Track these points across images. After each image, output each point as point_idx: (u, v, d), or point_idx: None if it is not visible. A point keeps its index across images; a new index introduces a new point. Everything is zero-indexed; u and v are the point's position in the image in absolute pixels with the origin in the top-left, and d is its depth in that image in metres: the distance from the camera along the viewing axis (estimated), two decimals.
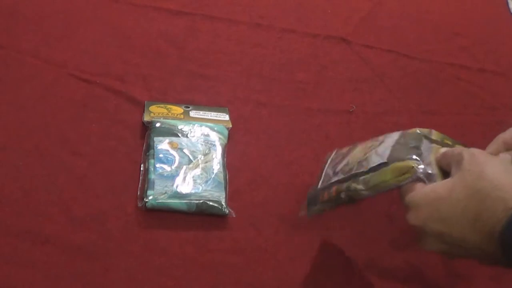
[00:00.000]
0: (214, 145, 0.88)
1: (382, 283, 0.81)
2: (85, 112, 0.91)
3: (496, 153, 0.73)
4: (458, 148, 0.72)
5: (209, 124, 0.91)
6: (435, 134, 0.77)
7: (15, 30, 1.00)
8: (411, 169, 0.70)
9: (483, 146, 1.00)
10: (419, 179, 0.70)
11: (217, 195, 0.82)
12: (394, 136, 0.77)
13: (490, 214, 0.62)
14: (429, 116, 1.04)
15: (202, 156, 0.86)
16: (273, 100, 1.00)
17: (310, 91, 1.03)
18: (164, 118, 0.90)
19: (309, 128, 0.97)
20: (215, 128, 0.90)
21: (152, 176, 0.82)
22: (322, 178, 0.80)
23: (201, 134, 0.89)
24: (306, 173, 0.90)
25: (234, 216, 0.82)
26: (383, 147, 0.75)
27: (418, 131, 0.77)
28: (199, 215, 0.81)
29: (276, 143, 0.94)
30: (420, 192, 0.69)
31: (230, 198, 0.84)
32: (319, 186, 0.79)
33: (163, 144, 0.86)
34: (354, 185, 0.74)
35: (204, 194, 0.82)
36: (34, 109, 0.90)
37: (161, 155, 0.85)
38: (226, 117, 0.93)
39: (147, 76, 0.98)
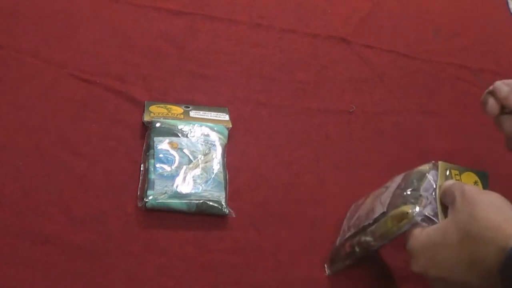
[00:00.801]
0: (214, 145, 0.88)
1: (382, 283, 0.80)
2: (85, 112, 0.91)
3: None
4: (455, 184, 0.71)
5: (209, 124, 0.91)
6: (441, 166, 0.77)
7: (15, 30, 1.00)
8: (407, 215, 0.71)
9: (483, 146, 1.01)
10: (417, 224, 0.70)
11: (217, 195, 0.82)
12: (397, 180, 0.78)
13: (484, 256, 0.62)
14: (429, 116, 1.04)
15: (202, 156, 0.86)
16: (273, 100, 1.00)
17: (310, 91, 1.03)
18: (164, 118, 0.90)
19: (309, 128, 0.97)
20: (215, 128, 0.90)
21: (152, 176, 0.82)
22: (340, 235, 0.81)
23: (201, 134, 0.89)
24: (306, 173, 0.90)
25: (234, 216, 0.82)
26: (386, 195, 0.76)
27: (421, 168, 0.77)
28: (199, 215, 0.81)
29: (276, 143, 0.94)
30: (417, 239, 0.69)
31: (230, 198, 0.84)
32: (337, 243, 0.81)
33: (163, 144, 0.86)
34: (363, 237, 0.75)
35: (204, 194, 0.82)
36: (34, 109, 0.90)
37: (161, 155, 0.85)
38: (226, 117, 0.93)
39: (147, 76, 0.98)
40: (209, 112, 0.93)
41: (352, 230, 0.78)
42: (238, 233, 0.82)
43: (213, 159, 0.86)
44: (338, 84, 1.05)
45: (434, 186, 0.74)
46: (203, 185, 0.83)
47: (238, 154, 0.90)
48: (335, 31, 1.14)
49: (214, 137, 0.89)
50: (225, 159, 0.88)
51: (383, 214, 0.74)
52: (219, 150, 0.87)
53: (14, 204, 0.79)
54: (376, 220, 0.74)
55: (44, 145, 0.85)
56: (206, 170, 0.84)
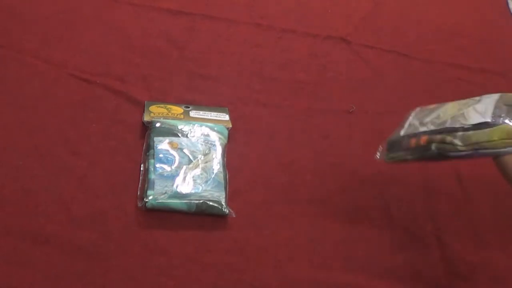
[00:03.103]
0: (214, 145, 0.88)
1: (382, 283, 0.80)
2: (85, 112, 0.91)
3: None
4: None
5: (209, 124, 0.91)
6: None
7: (15, 30, 1.00)
8: None
9: None
10: None
11: (217, 195, 0.82)
12: (492, 96, 0.72)
13: None
14: None
15: (202, 156, 0.86)
16: (273, 100, 1.00)
17: (310, 91, 1.03)
18: (164, 118, 0.90)
19: (309, 128, 0.97)
20: (215, 128, 0.90)
21: (152, 176, 0.82)
22: (405, 127, 0.75)
23: (201, 134, 0.89)
24: (306, 173, 0.90)
25: (234, 216, 0.82)
26: (483, 104, 0.70)
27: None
28: (199, 215, 0.81)
29: (276, 143, 0.94)
30: None
31: (230, 198, 0.84)
32: (402, 133, 0.74)
33: (163, 144, 0.86)
34: (450, 138, 0.69)
35: (204, 194, 0.82)
36: (34, 109, 0.90)
37: (161, 155, 0.85)
38: (226, 117, 0.93)
39: (147, 76, 0.98)
40: (209, 112, 0.93)
41: (431, 127, 0.72)
42: (238, 233, 0.82)
43: (213, 159, 0.86)
44: (338, 84, 1.05)
45: None
46: (203, 185, 0.83)
47: (238, 154, 0.90)
48: (335, 31, 1.14)
49: (214, 137, 0.89)
50: (225, 159, 0.88)
51: (486, 124, 0.68)
52: (219, 150, 0.87)
53: (14, 204, 0.79)
54: (473, 128, 0.68)
55: (44, 145, 0.85)
56: (206, 170, 0.84)
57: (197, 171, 0.84)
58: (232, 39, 1.08)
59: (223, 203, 0.81)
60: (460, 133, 0.69)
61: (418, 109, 0.80)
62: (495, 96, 0.72)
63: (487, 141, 0.67)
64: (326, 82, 1.05)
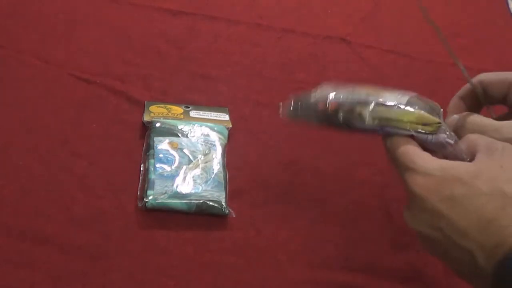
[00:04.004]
0: (214, 145, 0.88)
1: (382, 283, 0.80)
2: (85, 112, 0.91)
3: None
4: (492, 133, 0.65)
5: (209, 124, 0.91)
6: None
7: (15, 30, 1.00)
8: (435, 125, 0.65)
9: None
10: (435, 141, 0.65)
11: (217, 195, 0.82)
12: (412, 93, 0.72)
13: (505, 225, 0.55)
14: None
15: (202, 156, 0.86)
16: (273, 100, 0.99)
17: None
18: (164, 118, 0.90)
19: (309, 128, 0.97)
20: (215, 128, 0.90)
21: (152, 176, 0.82)
22: (318, 90, 0.74)
23: (201, 134, 0.89)
24: (306, 173, 0.90)
25: (234, 216, 0.82)
26: (399, 92, 0.71)
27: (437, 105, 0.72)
28: (199, 215, 0.81)
29: (276, 143, 0.94)
30: (438, 161, 0.62)
31: (230, 198, 0.84)
32: (312, 94, 0.74)
33: (163, 144, 0.86)
34: (359, 109, 0.69)
35: (204, 194, 0.82)
36: (34, 109, 0.90)
37: (161, 155, 0.85)
38: (226, 117, 0.93)
39: (147, 76, 0.98)
40: (209, 112, 0.93)
41: (343, 96, 0.71)
42: (238, 233, 0.82)
43: (213, 159, 0.86)
44: None
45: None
46: (203, 185, 0.83)
47: (238, 154, 0.90)
48: (335, 31, 1.14)
49: (214, 137, 0.89)
50: (225, 159, 0.88)
51: (398, 106, 0.67)
52: (219, 150, 0.87)
53: (14, 204, 0.79)
54: (387, 105, 0.68)
55: (44, 145, 0.85)
56: (206, 170, 0.84)
57: (197, 171, 0.84)
58: (232, 39, 1.08)
59: (223, 203, 0.81)
60: (371, 107, 0.69)
61: (330, 84, 0.79)
62: (414, 94, 0.72)
63: (396, 119, 0.67)
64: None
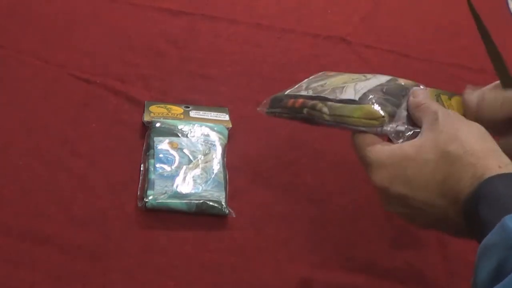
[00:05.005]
0: (214, 145, 0.88)
1: (382, 283, 0.80)
2: (85, 112, 0.91)
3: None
4: (434, 105, 0.69)
5: (209, 124, 0.91)
6: (431, 92, 0.75)
7: (15, 30, 1.00)
8: (380, 119, 0.68)
9: None
10: (384, 133, 0.68)
11: (217, 195, 0.82)
12: (381, 79, 0.75)
13: (457, 179, 0.61)
14: None
15: (202, 156, 0.86)
16: None
17: None
18: (164, 118, 0.90)
19: (309, 128, 0.97)
20: (215, 128, 0.90)
21: (152, 176, 0.82)
22: (294, 88, 0.79)
23: (201, 134, 0.89)
24: (306, 173, 0.90)
25: (234, 216, 0.82)
26: (363, 84, 0.73)
27: (407, 82, 0.75)
28: (199, 215, 0.81)
29: (276, 143, 0.94)
30: (386, 149, 0.66)
31: (230, 198, 0.84)
32: (286, 92, 0.78)
33: (163, 144, 0.86)
34: (320, 105, 0.73)
35: (204, 194, 0.82)
36: (34, 109, 0.90)
37: (161, 155, 0.85)
38: (226, 117, 0.93)
39: (147, 76, 0.98)
40: (209, 112, 0.93)
41: (311, 92, 0.75)
42: (238, 233, 0.81)
43: (213, 159, 0.86)
44: None
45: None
46: (203, 185, 0.83)
47: (238, 154, 0.90)
48: (335, 31, 1.14)
49: (214, 137, 0.89)
50: (225, 159, 0.88)
51: (353, 101, 0.70)
52: (219, 150, 0.87)
53: (14, 204, 0.79)
54: (342, 101, 0.71)
55: (44, 145, 0.85)
56: (206, 170, 0.84)
57: (197, 171, 0.84)
58: (232, 39, 1.08)
59: (223, 203, 0.81)
60: (329, 103, 0.72)
61: (321, 72, 0.83)
62: (383, 79, 0.75)
63: (347, 116, 0.70)
64: None
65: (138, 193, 0.82)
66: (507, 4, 1.30)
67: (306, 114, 0.74)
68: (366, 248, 0.83)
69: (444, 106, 0.72)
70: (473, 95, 0.75)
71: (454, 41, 1.19)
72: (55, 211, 0.79)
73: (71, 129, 0.88)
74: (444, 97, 0.75)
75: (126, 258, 0.76)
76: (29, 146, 0.85)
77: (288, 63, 1.07)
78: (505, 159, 0.62)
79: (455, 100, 0.76)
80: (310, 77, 0.82)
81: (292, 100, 0.76)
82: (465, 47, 1.18)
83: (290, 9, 1.17)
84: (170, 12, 1.09)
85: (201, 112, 0.93)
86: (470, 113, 0.73)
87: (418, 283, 0.81)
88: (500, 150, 0.64)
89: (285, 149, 0.93)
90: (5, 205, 0.78)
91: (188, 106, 0.94)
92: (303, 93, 0.76)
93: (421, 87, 0.76)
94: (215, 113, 0.93)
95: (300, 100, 0.75)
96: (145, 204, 0.80)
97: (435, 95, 0.75)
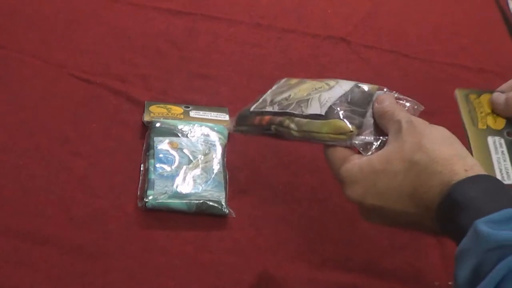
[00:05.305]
0: (214, 145, 0.88)
1: (382, 283, 0.80)
2: (85, 112, 0.91)
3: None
4: (397, 112, 0.70)
5: (209, 124, 0.91)
6: (459, 92, 0.76)
7: (15, 30, 1.00)
8: (348, 133, 0.69)
9: None
10: (353, 146, 0.69)
11: (217, 195, 0.82)
12: (345, 86, 0.74)
13: (426, 188, 0.62)
14: (429, 116, 1.03)
15: (202, 156, 0.86)
16: None
17: None
18: (164, 118, 0.90)
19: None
20: (215, 128, 0.90)
21: (152, 176, 0.82)
22: (258, 102, 0.78)
23: (201, 134, 0.89)
24: (306, 173, 0.90)
25: (234, 216, 0.82)
26: (328, 95, 0.73)
27: (370, 88, 0.75)
28: (199, 215, 0.81)
29: (276, 143, 0.93)
30: (356, 165, 0.67)
31: (230, 198, 0.84)
32: (251, 108, 0.78)
33: (163, 144, 0.86)
34: (288, 122, 0.73)
35: (204, 194, 0.82)
36: (34, 109, 0.90)
37: (161, 155, 0.85)
38: (226, 117, 0.93)
39: (147, 76, 0.98)
40: (209, 112, 0.93)
41: (276, 108, 0.75)
42: (238, 233, 0.81)
43: (213, 159, 0.86)
44: None
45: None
46: (203, 185, 0.83)
47: (238, 154, 0.90)
48: (335, 31, 1.14)
49: (214, 137, 0.89)
50: (225, 159, 0.88)
51: (320, 116, 0.71)
52: (219, 150, 0.87)
53: (14, 204, 0.79)
54: (308, 117, 0.71)
55: (44, 145, 0.85)
56: (206, 170, 0.84)
57: (197, 171, 0.84)
58: (232, 39, 1.08)
59: (223, 203, 0.82)
60: (296, 119, 0.72)
61: (283, 80, 0.82)
62: (346, 86, 0.74)
63: (316, 132, 0.71)
64: None
65: (138, 193, 0.82)
66: (507, 4, 1.30)
67: (274, 131, 0.74)
68: (366, 248, 0.83)
69: (473, 106, 0.73)
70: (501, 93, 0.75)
71: (453, 41, 1.19)
72: (55, 211, 0.79)
73: (71, 129, 0.88)
74: (472, 96, 0.76)
75: (126, 258, 0.76)
76: (29, 146, 0.85)
77: (288, 63, 1.06)
78: (471, 161, 0.63)
79: (484, 98, 0.76)
80: (273, 87, 0.81)
81: (258, 118, 0.76)
82: (464, 47, 1.18)
83: (290, 9, 1.17)
84: (170, 12, 1.09)
85: (201, 112, 0.93)
86: (498, 110, 0.75)
87: (418, 283, 0.81)
88: (466, 152, 0.65)
89: (285, 149, 0.93)
90: (5, 205, 0.78)
91: (188, 106, 0.94)
92: (269, 109, 0.76)
93: (385, 90, 0.76)
94: (215, 113, 0.93)
95: (267, 117, 0.75)
96: (145, 204, 0.80)
97: (464, 95, 0.76)
